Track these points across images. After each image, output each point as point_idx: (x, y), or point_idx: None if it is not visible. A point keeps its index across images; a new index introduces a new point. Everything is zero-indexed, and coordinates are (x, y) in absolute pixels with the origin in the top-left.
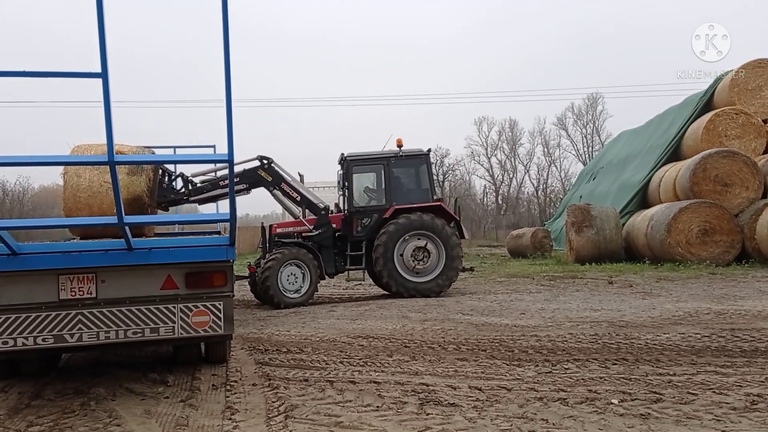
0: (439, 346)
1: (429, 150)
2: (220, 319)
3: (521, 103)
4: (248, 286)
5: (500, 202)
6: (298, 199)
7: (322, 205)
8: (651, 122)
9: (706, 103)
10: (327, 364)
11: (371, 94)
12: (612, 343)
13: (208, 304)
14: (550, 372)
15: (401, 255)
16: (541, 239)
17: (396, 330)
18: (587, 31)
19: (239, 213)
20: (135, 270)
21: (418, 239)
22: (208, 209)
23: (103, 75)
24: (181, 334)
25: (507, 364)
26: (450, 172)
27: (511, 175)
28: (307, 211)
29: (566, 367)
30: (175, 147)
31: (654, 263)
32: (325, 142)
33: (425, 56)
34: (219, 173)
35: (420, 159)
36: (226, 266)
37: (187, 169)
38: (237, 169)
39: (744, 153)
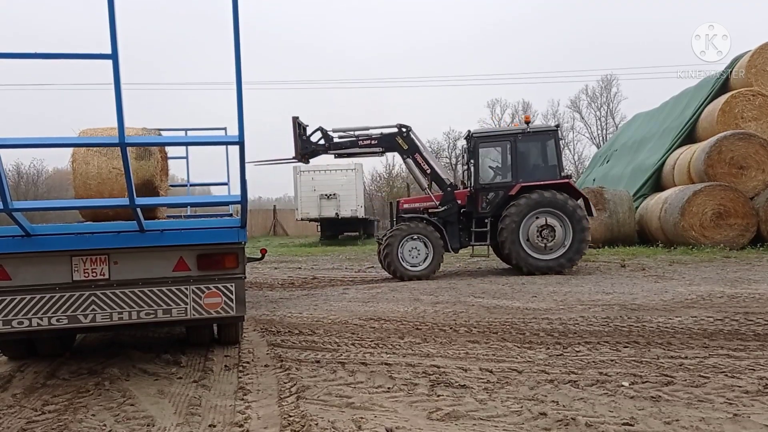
0: (451, 328)
1: (557, 125)
2: (231, 300)
3: (534, 85)
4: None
5: None
6: (428, 171)
7: (449, 182)
8: (666, 104)
9: (723, 84)
10: (339, 345)
11: (383, 77)
12: (623, 326)
13: (219, 285)
14: (561, 354)
15: (527, 232)
16: None
17: (407, 312)
18: (601, 12)
19: (251, 195)
20: (147, 252)
21: (544, 217)
22: (220, 191)
23: (113, 56)
24: (194, 315)
25: (518, 347)
26: (463, 154)
27: None
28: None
29: (577, 349)
30: (186, 129)
31: (667, 247)
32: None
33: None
34: (357, 133)
35: (548, 135)
36: (238, 248)
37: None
38: (375, 132)
39: (760, 135)
